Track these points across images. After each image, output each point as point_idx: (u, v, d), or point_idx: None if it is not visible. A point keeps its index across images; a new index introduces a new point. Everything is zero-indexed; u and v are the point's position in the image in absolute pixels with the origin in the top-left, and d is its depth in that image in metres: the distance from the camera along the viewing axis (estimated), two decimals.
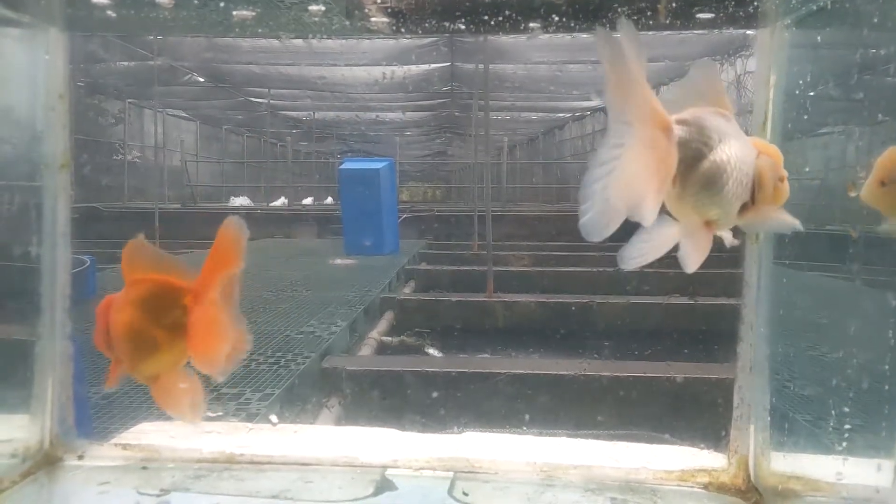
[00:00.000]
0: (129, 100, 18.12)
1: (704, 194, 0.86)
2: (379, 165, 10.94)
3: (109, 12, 1.28)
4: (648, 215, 0.78)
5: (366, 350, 5.22)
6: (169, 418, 2.92)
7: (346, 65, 13.18)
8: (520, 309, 6.71)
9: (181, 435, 1.57)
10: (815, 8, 1.18)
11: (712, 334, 5.56)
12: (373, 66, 13.27)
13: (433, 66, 13.41)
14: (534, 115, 21.00)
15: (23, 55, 1.43)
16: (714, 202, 0.88)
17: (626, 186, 0.77)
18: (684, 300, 6.44)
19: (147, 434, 1.57)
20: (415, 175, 37.25)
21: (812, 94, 1.35)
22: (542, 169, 24.67)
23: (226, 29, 1.42)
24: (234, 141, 26.28)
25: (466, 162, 26.13)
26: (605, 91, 0.77)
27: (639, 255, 0.88)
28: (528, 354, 6.12)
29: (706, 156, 0.86)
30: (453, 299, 6.90)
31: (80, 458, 1.45)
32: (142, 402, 3.21)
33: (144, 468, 1.43)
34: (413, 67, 13.32)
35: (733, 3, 1.14)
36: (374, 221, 10.42)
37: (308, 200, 20.65)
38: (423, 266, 10.06)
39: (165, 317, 0.95)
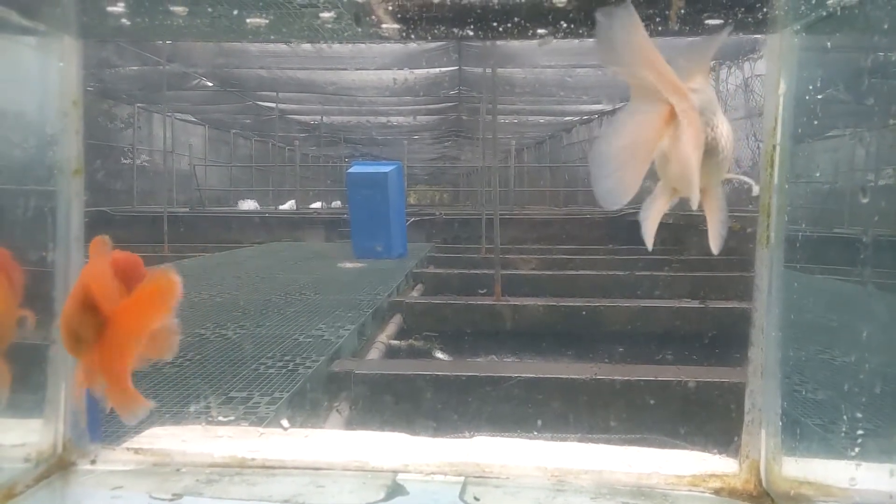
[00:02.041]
0: (139, 104, 18.25)
1: (712, 162, 0.88)
2: (387, 169, 10.97)
3: (124, 20, 1.29)
4: (696, 186, 0.82)
5: (374, 353, 5.22)
6: (179, 422, 2.93)
7: (356, 69, 13.23)
8: (528, 312, 6.70)
9: (193, 439, 1.58)
10: (824, 14, 1.18)
11: (723, 338, 5.54)
12: (382, 71, 13.32)
13: (441, 69, 13.45)
14: (541, 119, 21.01)
15: (37, 62, 1.45)
16: (716, 169, 0.90)
17: (682, 158, 0.80)
18: (695, 304, 6.42)
19: (159, 438, 1.58)
20: (423, 178, 37.32)
21: (822, 99, 1.35)
22: (550, 172, 24.66)
23: (238, 35, 1.43)
24: (243, 145, 26.41)
25: (474, 165, 26.15)
26: (630, 66, 0.79)
27: (649, 229, 0.92)
28: (537, 358, 6.11)
29: (715, 125, 0.88)
30: (461, 302, 6.90)
31: (93, 462, 1.46)
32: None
33: (156, 472, 1.44)
34: (421, 71, 13.36)
35: (742, 9, 1.14)
36: (383, 225, 10.44)
37: (316, 204, 20.71)
38: (431, 269, 10.07)
39: (82, 325, 1.00)
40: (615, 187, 0.83)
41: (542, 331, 6.51)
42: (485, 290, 7.39)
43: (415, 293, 8.23)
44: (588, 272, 9.00)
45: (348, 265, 9.62)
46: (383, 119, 20.51)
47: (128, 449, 1.50)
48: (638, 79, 0.81)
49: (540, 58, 12.11)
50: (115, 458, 1.48)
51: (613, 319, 6.43)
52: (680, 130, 0.80)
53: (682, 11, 1.10)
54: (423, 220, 14.30)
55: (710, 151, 0.88)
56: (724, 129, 0.89)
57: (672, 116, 0.81)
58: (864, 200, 1.06)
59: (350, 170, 11.36)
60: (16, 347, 1.56)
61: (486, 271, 8.45)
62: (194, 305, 6.14)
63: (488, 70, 10.50)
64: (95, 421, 1.57)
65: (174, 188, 17.59)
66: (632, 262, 9.16)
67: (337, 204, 21.46)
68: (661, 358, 5.24)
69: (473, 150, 25.30)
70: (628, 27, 0.79)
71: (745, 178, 1.03)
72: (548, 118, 20.95)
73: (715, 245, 0.91)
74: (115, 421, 2.92)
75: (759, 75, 12.01)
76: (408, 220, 11.83)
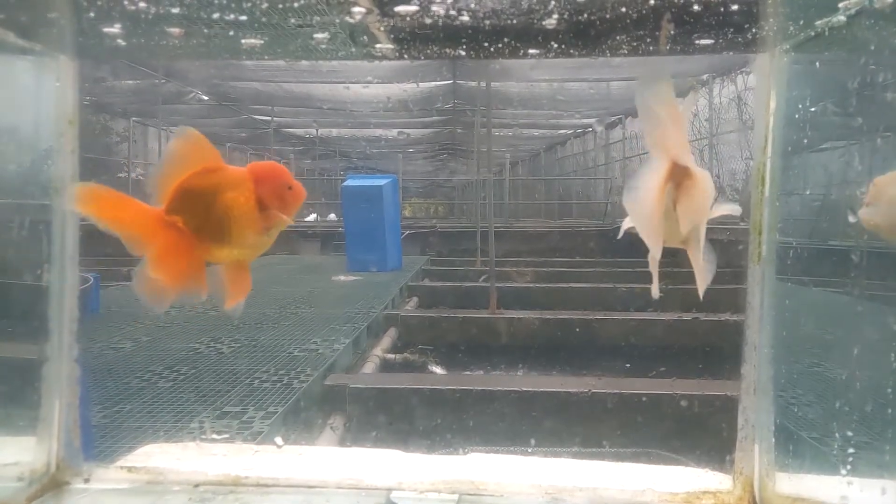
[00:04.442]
0: (134, 118, 18.27)
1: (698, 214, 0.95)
2: (382, 182, 11.00)
3: (120, 40, 1.30)
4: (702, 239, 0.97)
5: (369, 367, 5.21)
6: (170, 440, 2.91)
7: (351, 83, 13.28)
8: (523, 325, 6.70)
9: (187, 457, 1.57)
10: (812, 34, 1.20)
11: (715, 350, 5.56)
12: (376, 85, 13.38)
13: (436, 84, 13.52)
14: (536, 132, 21.10)
15: (34, 82, 1.46)
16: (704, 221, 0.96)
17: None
18: (686, 317, 6.43)
19: (152, 456, 1.57)
20: (418, 192, 37.41)
21: (811, 116, 1.37)
22: (545, 185, 24.74)
23: (234, 55, 1.44)
24: (238, 158, 26.42)
25: (469, 178, 26.22)
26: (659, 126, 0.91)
27: (654, 280, 1.06)
28: (532, 371, 6.11)
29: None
30: (456, 316, 6.90)
31: (87, 481, 1.45)
32: (144, 424, 3.21)
33: (150, 491, 1.43)
34: (416, 86, 13.42)
35: (731, 30, 1.16)
36: (378, 238, 10.46)
37: (311, 217, 20.71)
38: (426, 282, 10.07)
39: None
40: (651, 239, 0.94)
41: (537, 343, 6.51)
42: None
43: (410, 306, 8.23)
44: (583, 285, 9.01)
45: (343, 278, 9.61)
46: (378, 133, 20.56)
47: (121, 467, 1.49)
48: (658, 140, 0.89)
49: (534, 72, 12.19)
50: (109, 477, 1.47)
51: (609, 332, 6.44)
52: (696, 189, 0.90)
53: (672, 32, 1.12)
54: (418, 234, 14.31)
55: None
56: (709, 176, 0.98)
57: (670, 175, 0.89)
58: (853, 220, 1.07)
59: (345, 183, 11.38)
60: (9, 365, 1.55)
61: (480, 284, 8.45)
62: (189, 319, 6.12)
63: (483, 84, 10.57)
64: (89, 439, 1.57)
65: None
66: (627, 275, 9.18)
67: (332, 217, 21.46)
68: (654, 371, 5.24)
69: (468, 163, 25.39)
70: (665, 95, 0.91)
71: (730, 210, 1.08)
72: (542, 131, 21.05)
73: (700, 289, 0.99)
74: (108, 438, 2.91)
75: (751, 88, 12.11)
76: (403, 234, 11.84)
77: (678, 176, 0.91)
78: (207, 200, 1.01)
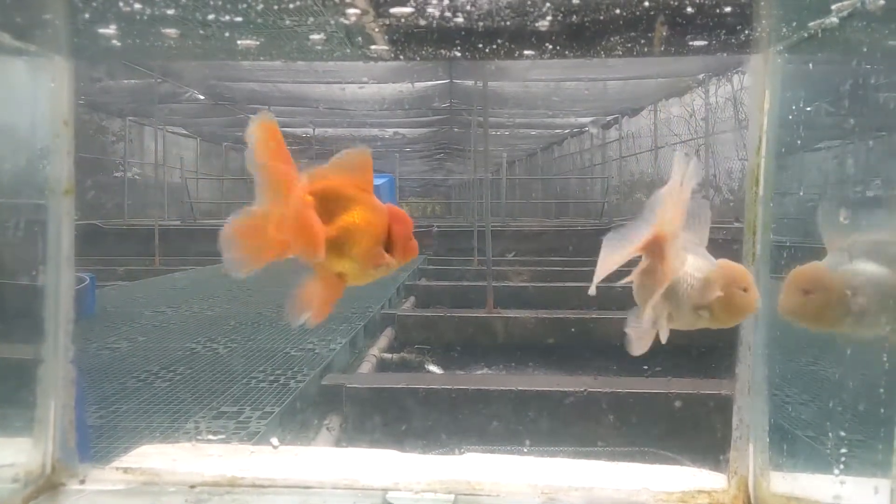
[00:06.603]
0: (130, 118, 18.23)
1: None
2: (379, 182, 11.00)
3: (115, 41, 1.30)
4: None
5: (366, 367, 5.21)
6: (166, 440, 2.91)
7: (347, 82, 13.27)
8: (519, 324, 6.71)
9: (182, 458, 1.57)
10: (805, 35, 1.20)
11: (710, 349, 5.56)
12: (373, 84, 13.37)
13: (432, 83, 13.51)
14: (532, 132, 21.11)
15: (29, 83, 1.46)
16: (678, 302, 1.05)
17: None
18: None
19: (148, 457, 1.57)
20: (414, 191, 37.42)
21: (805, 117, 1.37)
22: (541, 184, 24.76)
23: (230, 56, 1.44)
24: (235, 158, 26.38)
25: (466, 177, 26.23)
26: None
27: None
28: (529, 370, 6.12)
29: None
30: (453, 315, 6.90)
31: (82, 482, 1.45)
32: (140, 424, 3.21)
33: (146, 492, 1.43)
34: (412, 86, 13.41)
35: (725, 31, 1.16)
36: None
37: None
38: (423, 282, 10.06)
39: None
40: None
41: (533, 342, 6.51)
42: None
43: (406, 306, 8.22)
44: (580, 284, 9.01)
45: None
46: (375, 132, 20.54)
47: (117, 468, 1.49)
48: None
49: (531, 71, 12.19)
50: (105, 478, 1.47)
51: (605, 331, 6.44)
52: (660, 275, 0.97)
53: (666, 34, 1.12)
54: (415, 233, 14.29)
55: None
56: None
57: (647, 246, 0.98)
58: (845, 221, 1.08)
59: None
60: (4, 366, 1.55)
61: (477, 283, 8.45)
62: (185, 319, 6.11)
63: (479, 83, 10.57)
64: (85, 440, 1.57)
65: (166, 201, 17.55)
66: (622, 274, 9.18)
67: None
68: (649, 370, 5.25)
69: (465, 162, 25.39)
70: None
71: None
72: (538, 131, 21.06)
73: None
74: (104, 439, 2.90)
75: (748, 88, 12.13)
76: None
77: (653, 254, 0.94)
78: (344, 205, 1.03)
